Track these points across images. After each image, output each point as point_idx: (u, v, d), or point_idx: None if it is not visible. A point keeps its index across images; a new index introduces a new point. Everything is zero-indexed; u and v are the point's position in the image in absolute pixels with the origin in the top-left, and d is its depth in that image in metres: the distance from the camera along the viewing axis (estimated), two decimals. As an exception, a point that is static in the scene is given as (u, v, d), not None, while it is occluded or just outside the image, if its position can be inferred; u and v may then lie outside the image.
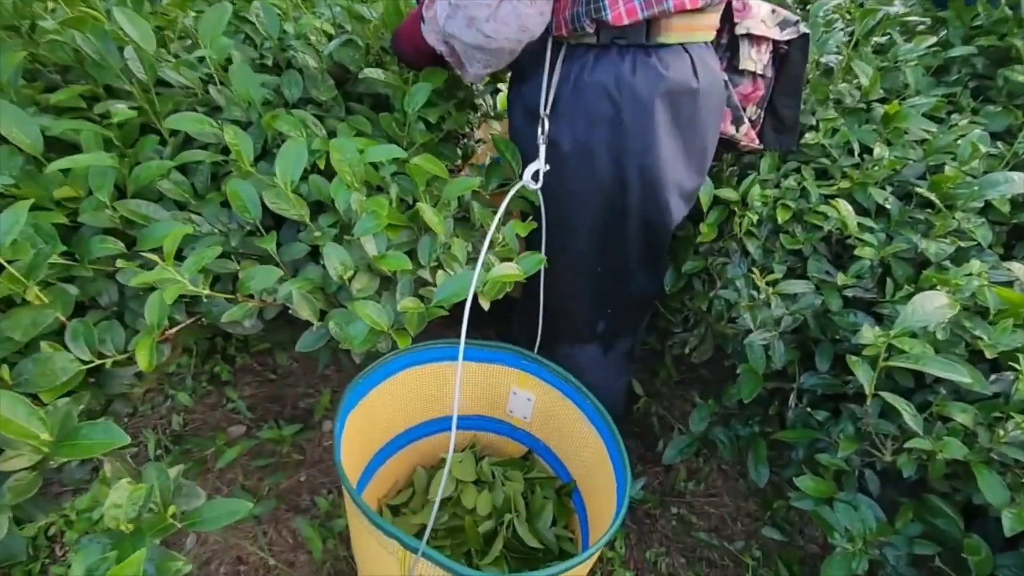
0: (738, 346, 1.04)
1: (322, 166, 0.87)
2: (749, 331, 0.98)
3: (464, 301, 0.79)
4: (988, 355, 0.79)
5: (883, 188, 1.05)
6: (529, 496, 1.14)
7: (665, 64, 0.86)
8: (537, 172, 0.92)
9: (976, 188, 0.95)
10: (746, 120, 1.06)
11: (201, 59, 0.92)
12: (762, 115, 1.10)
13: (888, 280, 0.95)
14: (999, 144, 1.08)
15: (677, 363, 1.54)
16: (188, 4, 1.01)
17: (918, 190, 1.00)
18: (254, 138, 0.89)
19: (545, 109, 0.90)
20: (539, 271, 0.98)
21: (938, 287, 0.84)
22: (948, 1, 1.38)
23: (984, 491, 0.73)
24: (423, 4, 0.88)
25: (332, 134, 0.94)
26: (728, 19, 0.99)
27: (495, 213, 0.86)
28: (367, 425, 1.03)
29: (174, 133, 0.89)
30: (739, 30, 1.00)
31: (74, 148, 0.81)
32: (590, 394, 1.02)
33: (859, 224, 0.98)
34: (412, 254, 0.86)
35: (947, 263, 0.92)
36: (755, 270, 1.01)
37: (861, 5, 1.30)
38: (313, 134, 0.90)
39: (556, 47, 0.90)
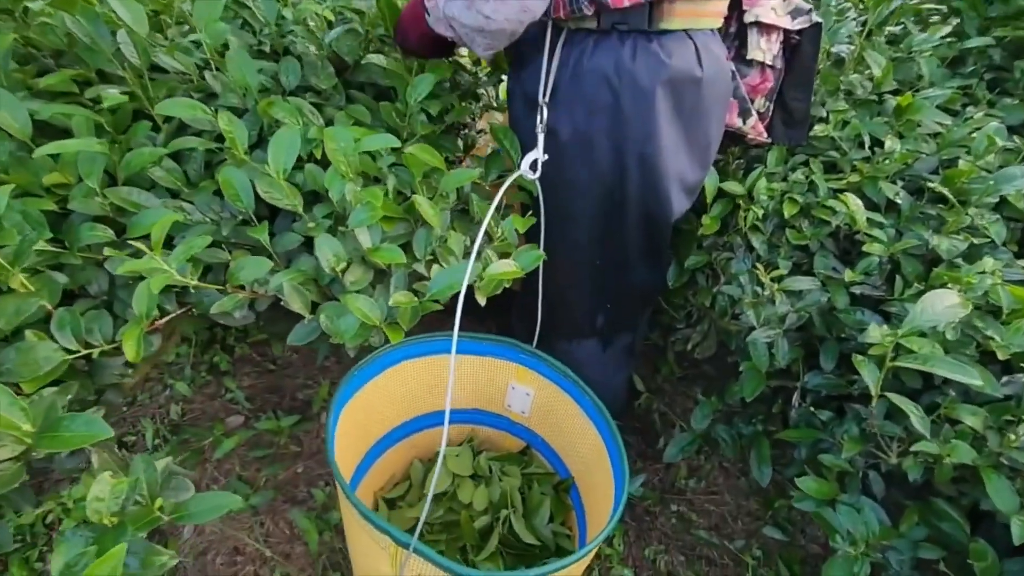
0: (741, 343, 1.02)
1: (319, 156, 0.85)
2: (752, 328, 0.96)
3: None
4: (1000, 356, 0.77)
5: (894, 182, 1.02)
6: (526, 492, 1.13)
7: (667, 51, 0.84)
8: (535, 162, 0.90)
9: (991, 183, 0.93)
10: (754, 112, 1.03)
11: (198, 45, 0.91)
12: (771, 108, 1.07)
13: (897, 277, 0.93)
14: (1015, 138, 1.06)
15: (679, 359, 1.52)
16: (185, -12, 0.99)
17: (930, 185, 0.97)
18: (250, 126, 0.87)
19: (544, 97, 0.88)
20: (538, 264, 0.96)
21: (949, 285, 0.82)
22: None
23: (993, 497, 0.71)
24: None
25: (330, 123, 0.92)
26: (737, 6, 0.96)
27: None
28: (363, 418, 1.02)
29: (168, 120, 0.87)
30: (748, 18, 0.96)
31: (67, 134, 0.79)
32: (588, 390, 1.00)
33: (868, 219, 0.96)
34: (408, 247, 0.85)
35: (959, 260, 0.90)
36: (760, 266, 0.98)
37: (874, -7, 1.26)
38: (310, 122, 0.88)
39: (556, 32, 0.87)
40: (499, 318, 1.34)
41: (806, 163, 1.10)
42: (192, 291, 0.76)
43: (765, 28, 0.98)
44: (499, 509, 1.08)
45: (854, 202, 0.95)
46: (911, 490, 0.86)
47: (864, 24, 1.18)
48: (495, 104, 1.32)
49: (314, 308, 0.80)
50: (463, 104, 1.08)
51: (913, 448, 0.77)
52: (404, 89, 0.94)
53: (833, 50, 1.18)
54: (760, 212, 1.02)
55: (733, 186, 1.06)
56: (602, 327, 1.14)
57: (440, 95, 1.01)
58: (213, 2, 0.84)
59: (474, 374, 1.13)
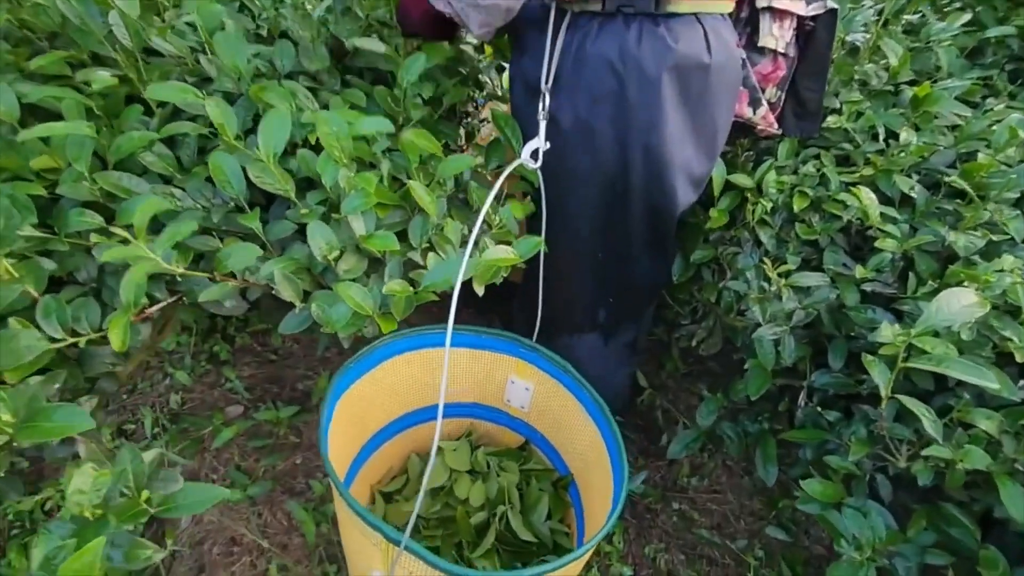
0: (747, 340, 0.99)
1: (313, 141, 0.83)
2: (758, 324, 0.94)
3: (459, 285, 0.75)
4: (1018, 358, 0.74)
5: (909, 176, 0.99)
6: (524, 488, 1.11)
7: (675, 35, 0.81)
8: (536, 150, 0.88)
9: (1012, 177, 0.89)
10: (764, 102, 0.99)
11: (193, 27, 0.88)
12: (782, 98, 1.04)
13: (911, 275, 0.90)
14: (1037, 131, 1.01)
15: (684, 355, 1.49)
16: (181, -31, 0.97)
17: (947, 179, 0.93)
18: (244, 110, 0.85)
19: (546, 83, 0.85)
20: (539, 254, 0.94)
21: (966, 283, 0.79)
22: None
23: (1007, 504, 0.68)
24: None
25: (326, 107, 0.90)
26: (749, -10, 0.93)
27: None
28: (360, 411, 1.01)
29: (162, 104, 0.85)
30: (760, 3, 0.93)
31: (58, 117, 0.78)
32: (588, 385, 0.98)
33: (881, 214, 0.93)
34: (404, 235, 0.83)
35: (976, 258, 0.87)
36: (767, 260, 0.96)
37: (892, -20, 1.22)
38: (304, 107, 0.86)
39: (559, 15, 0.84)
40: (501, 310, 1.32)
41: (818, 156, 1.07)
42: (179, 279, 0.74)
43: (778, 14, 0.95)
44: (496, 505, 1.06)
45: (867, 196, 0.92)
46: (919, 493, 0.83)
47: (880, 12, 1.14)
48: (500, 93, 1.29)
49: (307, 297, 0.78)
50: (458, 88, 1.05)
51: (924, 452, 0.74)
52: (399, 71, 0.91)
53: (848, 38, 1.14)
54: (769, 205, 0.99)
55: (741, 179, 1.03)
56: (604, 321, 1.11)
57: (437, 80, 0.98)
58: (208, -17, 0.82)
59: (473, 368, 1.11)
